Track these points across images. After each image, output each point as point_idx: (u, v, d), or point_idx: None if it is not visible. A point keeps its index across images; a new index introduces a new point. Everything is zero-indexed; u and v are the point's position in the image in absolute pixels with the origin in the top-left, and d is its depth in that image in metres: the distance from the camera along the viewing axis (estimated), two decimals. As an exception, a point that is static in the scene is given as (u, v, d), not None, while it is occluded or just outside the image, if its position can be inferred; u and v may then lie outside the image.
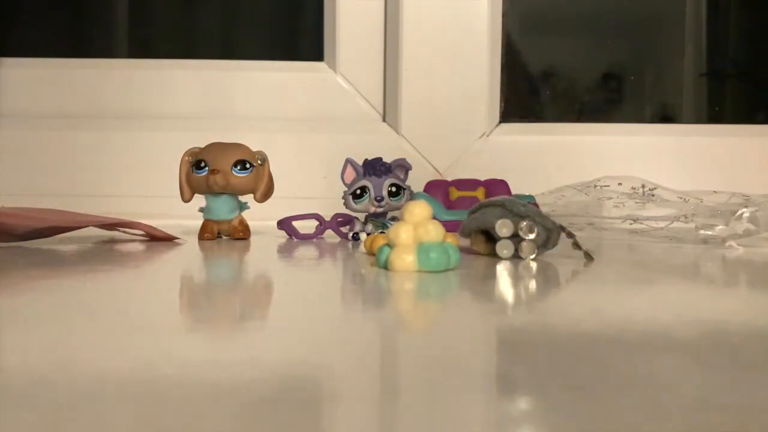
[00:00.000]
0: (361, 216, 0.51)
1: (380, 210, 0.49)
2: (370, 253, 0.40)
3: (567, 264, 0.36)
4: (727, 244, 0.45)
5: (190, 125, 0.65)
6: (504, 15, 0.70)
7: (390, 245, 0.33)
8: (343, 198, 0.50)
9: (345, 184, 0.50)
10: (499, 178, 0.57)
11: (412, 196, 0.50)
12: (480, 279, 0.33)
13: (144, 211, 0.66)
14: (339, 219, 0.53)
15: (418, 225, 0.32)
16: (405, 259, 0.32)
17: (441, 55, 0.70)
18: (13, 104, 0.76)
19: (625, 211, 0.53)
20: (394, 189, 0.49)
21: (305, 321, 0.22)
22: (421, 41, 0.69)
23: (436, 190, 0.56)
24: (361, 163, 0.50)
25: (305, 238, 0.51)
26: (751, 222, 0.45)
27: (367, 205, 0.49)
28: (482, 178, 0.58)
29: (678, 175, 0.70)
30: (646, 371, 0.17)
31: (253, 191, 0.50)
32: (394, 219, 0.49)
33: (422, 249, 0.32)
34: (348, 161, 0.50)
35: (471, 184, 0.57)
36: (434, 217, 0.34)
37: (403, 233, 0.32)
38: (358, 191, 0.49)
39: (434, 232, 0.32)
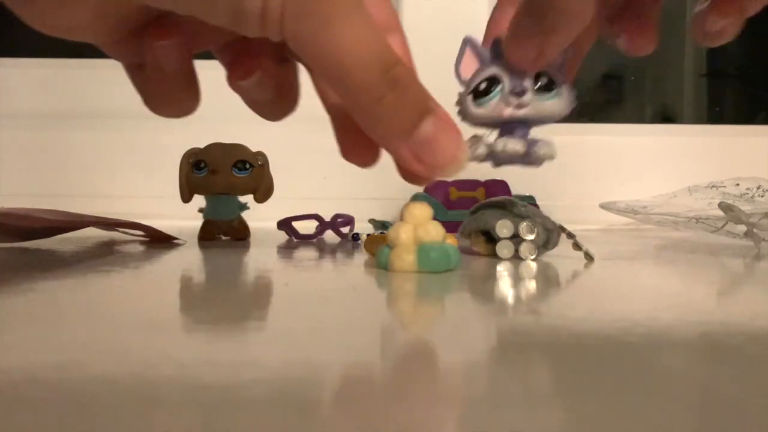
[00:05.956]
0: (487, 132, 0.32)
1: (520, 114, 0.30)
2: (371, 253, 0.40)
3: (567, 264, 0.36)
4: None
5: (190, 125, 0.65)
6: (504, 15, 0.71)
7: (390, 246, 0.33)
8: (458, 105, 0.32)
9: (461, 82, 0.32)
10: (499, 178, 0.57)
11: (573, 100, 0.32)
12: (480, 279, 0.33)
13: (144, 211, 0.66)
14: (339, 219, 0.53)
15: (418, 225, 0.32)
16: (405, 260, 0.32)
17: (441, 55, 0.69)
18: (13, 104, 0.76)
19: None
20: (544, 80, 0.31)
21: (305, 321, 0.22)
22: (421, 41, 0.69)
23: (437, 190, 0.56)
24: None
25: (305, 238, 0.51)
26: None
27: (498, 105, 0.30)
28: (482, 179, 0.58)
29: (678, 175, 0.70)
30: (647, 371, 0.17)
31: (253, 192, 0.50)
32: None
33: (423, 249, 0.32)
34: (466, 41, 0.32)
35: (471, 184, 0.57)
36: (434, 218, 0.34)
37: (403, 233, 0.32)
38: (484, 85, 0.31)
39: (434, 232, 0.32)
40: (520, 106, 0.30)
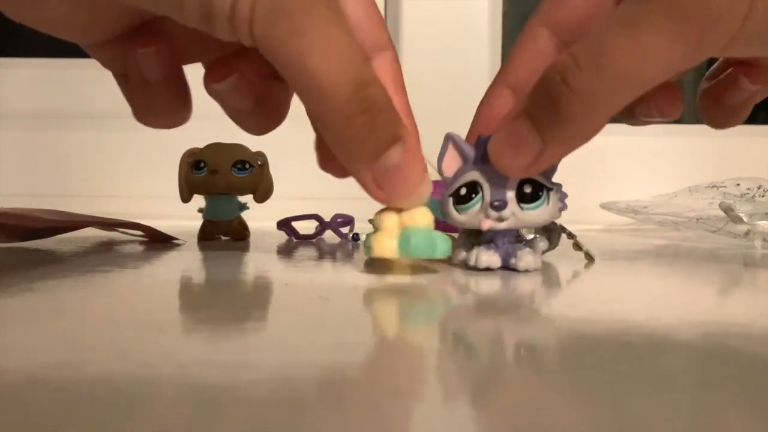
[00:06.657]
0: (467, 235, 0.32)
1: (500, 227, 0.29)
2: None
3: (567, 264, 0.36)
4: None
5: (190, 125, 0.65)
6: (504, 15, 0.71)
7: (375, 231, 0.32)
8: (441, 203, 0.32)
9: (443, 179, 0.32)
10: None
11: (563, 204, 0.31)
12: (480, 279, 0.33)
13: (143, 211, 0.66)
14: (339, 219, 0.53)
15: (404, 211, 0.31)
16: (385, 245, 0.30)
17: (441, 55, 0.69)
18: (12, 104, 0.76)
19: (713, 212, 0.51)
20: (528, 189, 0.29)
21: (305, 321, 0.22)
22: (421, 41, 0.69)
23: (436, 190, 0.56)
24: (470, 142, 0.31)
25: (305, 238, 0.51)
26: None
27: (477, 215, 0.30)
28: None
29: (678, 175, 0.70)
30: (647, 371, 0.17)
31: (252, 192, 0.50)
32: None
33: (404, 235, 0.30)
34: (449, 138, 0.31)
35: (471, 184, 0.57)
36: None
37: (387, 218, 0.31)
38: (464, 191, 0.30)
39: (420, 218, 0.30)
40: (500, 219, 0.29)
